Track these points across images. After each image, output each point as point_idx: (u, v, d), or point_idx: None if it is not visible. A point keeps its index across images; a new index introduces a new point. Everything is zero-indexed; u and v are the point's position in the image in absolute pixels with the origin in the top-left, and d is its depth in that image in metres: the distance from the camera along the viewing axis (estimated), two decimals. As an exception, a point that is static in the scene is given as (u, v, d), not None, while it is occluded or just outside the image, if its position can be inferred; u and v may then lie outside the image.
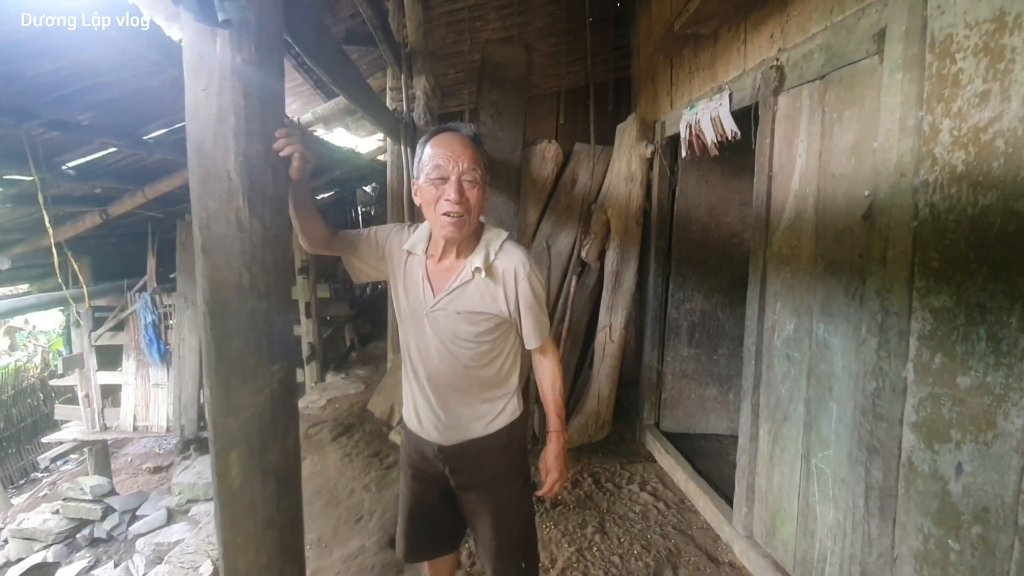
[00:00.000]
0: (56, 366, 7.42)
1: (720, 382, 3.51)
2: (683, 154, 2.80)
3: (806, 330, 1.88)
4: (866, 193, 1.55)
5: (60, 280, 4.22)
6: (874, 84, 1.52)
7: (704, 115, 2.47)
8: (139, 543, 4.66)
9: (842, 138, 1.68)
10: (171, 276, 5.49)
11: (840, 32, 1.65)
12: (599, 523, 2.61)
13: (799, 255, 1.91)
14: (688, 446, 3.27)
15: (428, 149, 1.32)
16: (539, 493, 1.53)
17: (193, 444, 5.67)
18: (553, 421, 1.51)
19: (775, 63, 1.98)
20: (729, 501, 2.48)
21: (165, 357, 5.50)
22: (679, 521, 2.65)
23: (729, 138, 2.33)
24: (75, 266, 4.54)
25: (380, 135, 6.00)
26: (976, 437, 1.24)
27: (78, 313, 5.47)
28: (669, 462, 3.12)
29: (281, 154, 1.15)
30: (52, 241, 3.61)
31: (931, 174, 1.33)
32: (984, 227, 1.21)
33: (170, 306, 5.46)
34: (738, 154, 2.78)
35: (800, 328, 1.91)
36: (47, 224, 3.34)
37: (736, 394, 3.33)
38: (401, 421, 1.63)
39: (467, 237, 1.36)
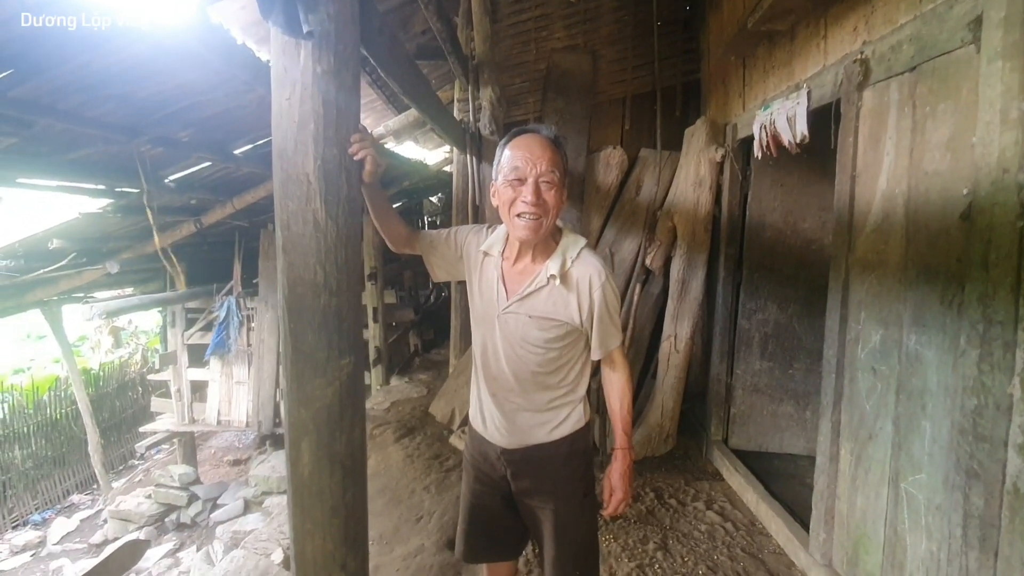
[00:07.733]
0: (153, 362, 8.11)
1: (796, 398, 3.30)
2: (756, 156, 2.68)
3: (895, 341, 1.73)
4: (964, 191, 1.42)
5: (178, 282, 4.67)
6: (971, 75, 1.40)
7: (780, 115, 2.36)
8: (219, 530, 4.99)
9: (936, 133, 1.55)
10: (254, 281, 5.89)
11: (931, 21, 1.53)
12: (661, 540, 2.51)
13: (887, 260, 1.77)
14: (759, 465, 3.09)
15: (507, 151, 1.30)
16: (603, 513, 1.49)
17: (269, 439, 6.02)
18: (620, 438, 1.45)
19: (859, 56, 1.86)
20: (805, 526, 2.32)
21: (222, 354, 5.84)
22: (749, 544, 2.50)
23: (798, 141, 2.21)
24: (180, 271, 4.99)
25: (447, 147, 6.18)
26: (1102, 465, 1.09)
27: (173, 313, 5.98)
28: (738, 481, 2.96)
29: (356, 158, 1.21)
30: (158, 246, 3.98)
31: (1041, 169, 1.20)
32: (1110, 227, 1.07)
33: (252, 309, 5.85)
34: (816, 156, 2.64)
35: (888, 339, 1.77)
36: (154, 231, 3.69)
37: (813, 411, 3.12)
38: (467, 422, 1.64)
39: (544, 241, 1.34)
